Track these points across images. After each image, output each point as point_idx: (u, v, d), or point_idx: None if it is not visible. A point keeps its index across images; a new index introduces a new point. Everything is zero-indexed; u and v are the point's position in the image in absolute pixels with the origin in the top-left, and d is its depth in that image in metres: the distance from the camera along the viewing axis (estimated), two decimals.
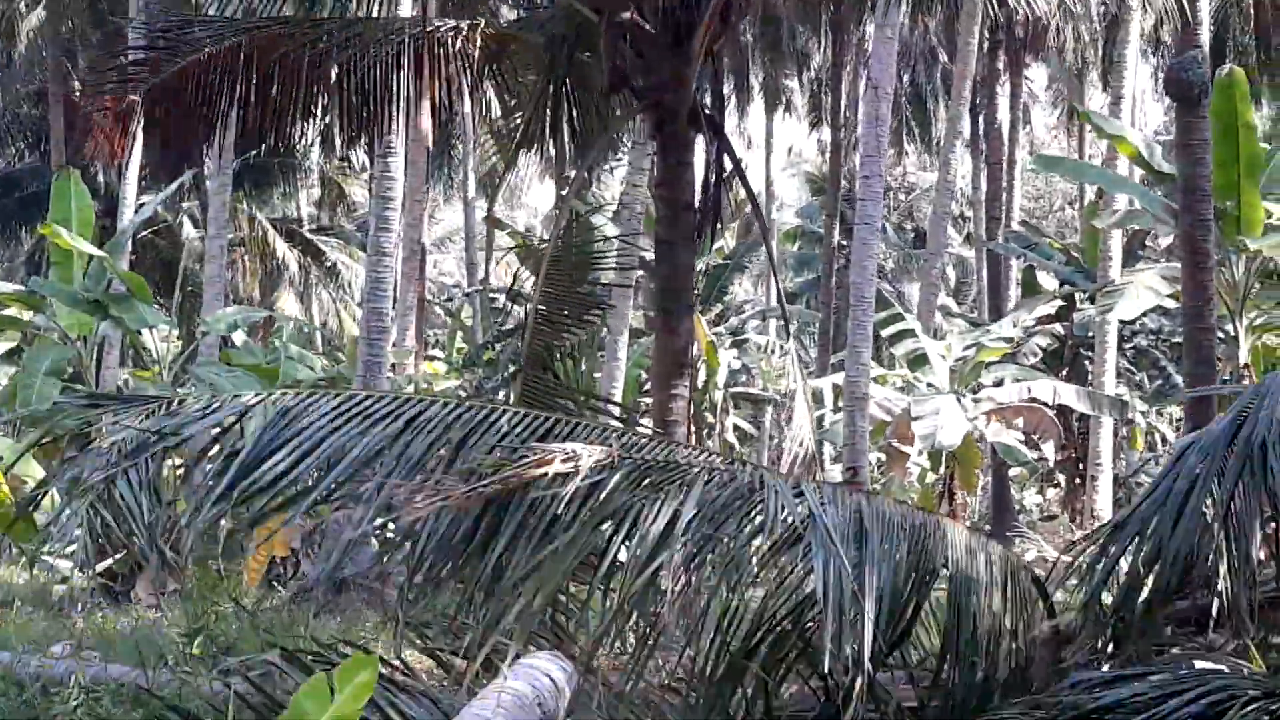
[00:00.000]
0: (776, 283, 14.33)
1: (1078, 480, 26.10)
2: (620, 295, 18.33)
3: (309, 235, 44.53)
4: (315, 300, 45.26)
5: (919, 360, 23.82)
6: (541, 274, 11.83)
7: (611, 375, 20.78)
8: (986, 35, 32.62)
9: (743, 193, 13.93)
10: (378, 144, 20.26)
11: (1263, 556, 7.13)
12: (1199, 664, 6.40)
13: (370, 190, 33.26)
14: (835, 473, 23.56)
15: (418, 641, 12.03)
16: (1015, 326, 24.86)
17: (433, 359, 35.94)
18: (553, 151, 15.59)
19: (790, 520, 6.11)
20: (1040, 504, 30.17)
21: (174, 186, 25.34)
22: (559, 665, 6.68)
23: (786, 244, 51.68)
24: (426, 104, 12.85)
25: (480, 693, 6.35)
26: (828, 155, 39.56)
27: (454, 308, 42.43)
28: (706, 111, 12.24)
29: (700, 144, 12.25)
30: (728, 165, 12.34)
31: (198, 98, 12.05)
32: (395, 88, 12.14)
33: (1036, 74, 47.23)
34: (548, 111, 12.69)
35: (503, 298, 34.34)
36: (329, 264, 44.33)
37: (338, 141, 45.33)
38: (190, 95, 12.07)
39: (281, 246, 41.69)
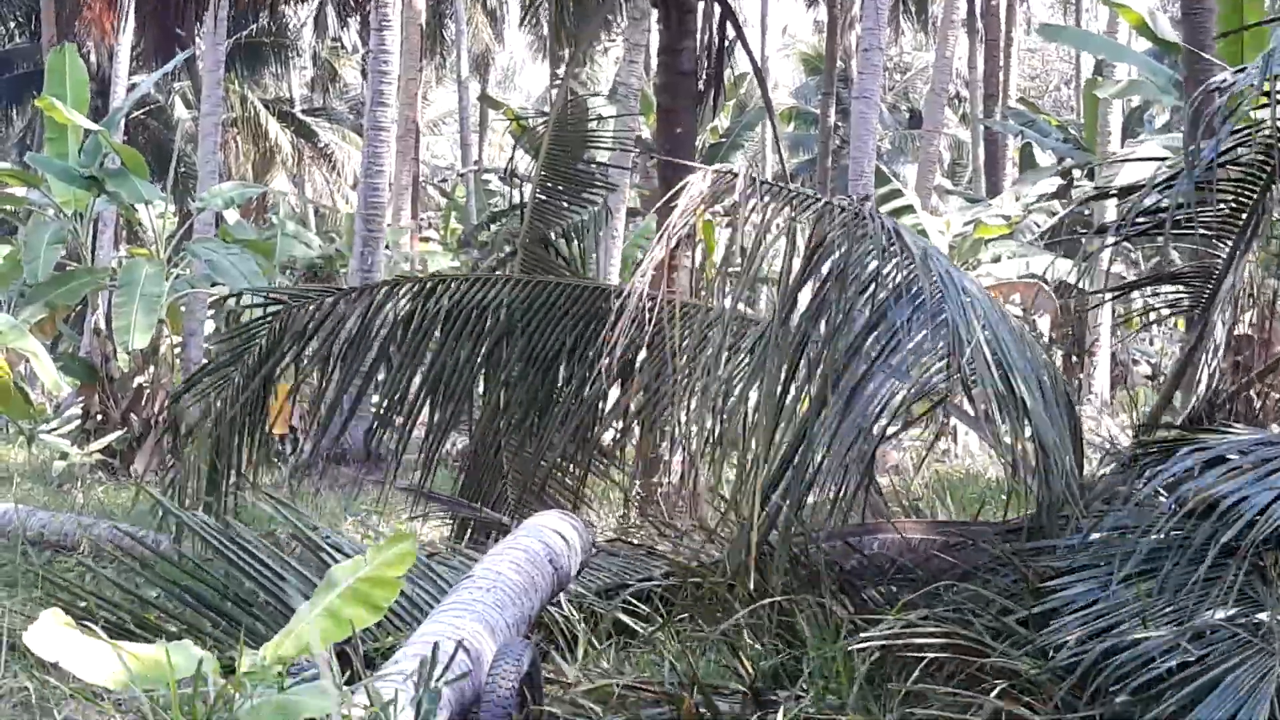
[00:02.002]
0: (780, 154, 14.22)
1: (1075, 357, 26.08)
2: (618, 175, 18.22)
3: (301, 116, 44.25)
4: (309, 182, 45.07)
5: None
6: (543, 152, 11.73)
7: (609, 254, 20.73)
8: None
9: (740, 66, 13.79)
10: (373, 17, 20.10)
11: None
12: None
13: (364, 70, 33.15)
14: None
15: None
16: (1015, 202, 24.75)
17: (428, 240, 35.81)
18: (547, 28, 15.46)
19: None
20: None
21: (168, 66, 25.08)
22: (570, 523, 6.69)
23: (782, 125, 51.31)
24: None
25: (490, 550, 6.35)
26: (824, 33, 39.16)
27: (448, 188, 42.25)
28: None
29: (701, 12, 12.14)
30: (730, 34, 12.24)
31: None
32: None
33: None
34: None
35: (495, 179, 34.18)
36: (322, 145, 44.09)
37: (331, 20, 45.26)
38: None
39: (274, 128, 41.42)
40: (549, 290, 9.41)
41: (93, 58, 38.86)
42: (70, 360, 20.01)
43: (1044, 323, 24.84)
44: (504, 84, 62.59)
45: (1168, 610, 5.52)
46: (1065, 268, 22.60)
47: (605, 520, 9.96)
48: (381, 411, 9.70)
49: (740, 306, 7.70)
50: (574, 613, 7.06)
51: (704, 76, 12.00)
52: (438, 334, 9.22)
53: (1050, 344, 27.60)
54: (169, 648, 4.47)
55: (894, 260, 5.98)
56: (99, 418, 18.76)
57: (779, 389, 6.01)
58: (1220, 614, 5.44)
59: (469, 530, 10.29)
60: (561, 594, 7.04)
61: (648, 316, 6.07)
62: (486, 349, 9.27)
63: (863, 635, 5.75)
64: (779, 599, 6.27)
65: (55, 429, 18.24)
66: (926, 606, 6.03)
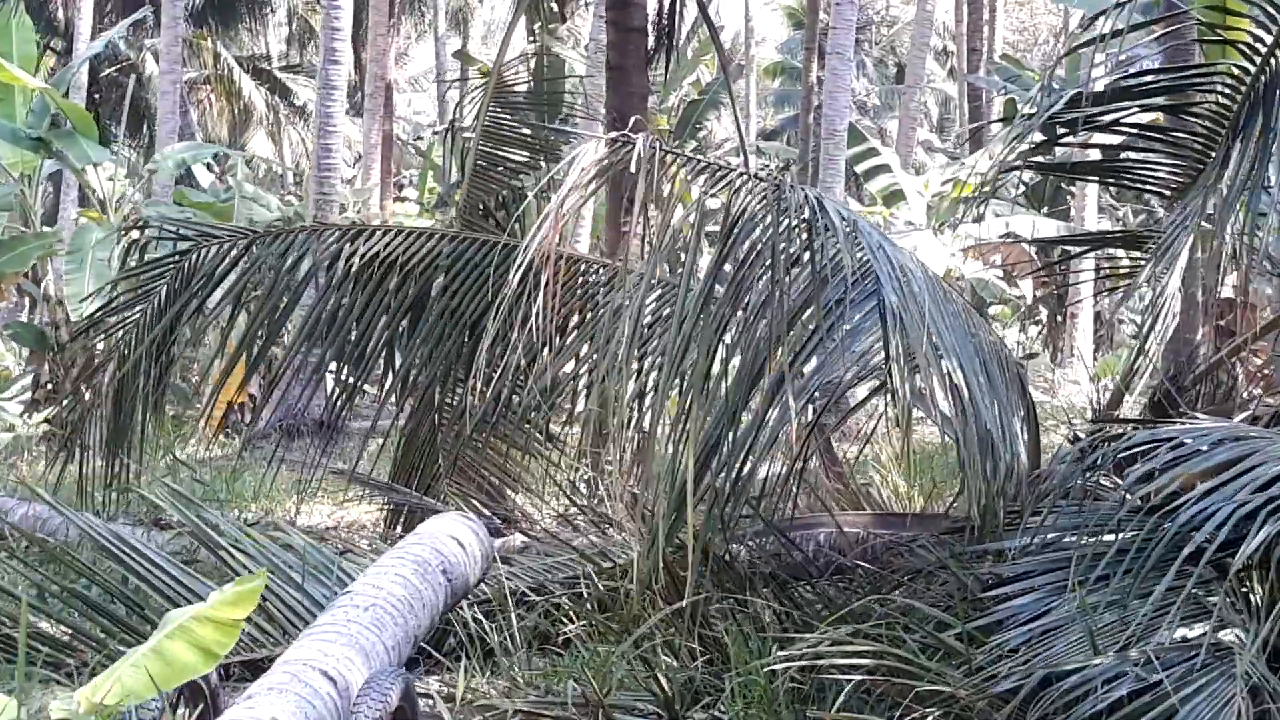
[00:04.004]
0: (735, 114, 13.66)
1: (1059, 318, 25.58)
2: (589, 128, 17.60)
3: (277, 73, 43.48)
4: (286, 140, 44.29)
5: (894, 196, 23.12)
6: (483, 112, 11.14)
7: (580, 217, 20.12)
8: None
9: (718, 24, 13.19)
10: None
11: None
12: None
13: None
14: None
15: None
16: (993, 160, 24.13)
17: (404, 200, 35.19)
18: None
19: None
20: (1021, 342, 29.71)
21: (126, 22, 24.34)
22: (470, 527, 6.12)
23: (767, 80, 50.67)
24: None
25: (378, 560, 5.79)
26: None
27: (424, 146, 41.56)
28: None
29: None
30: None
31: None
32: None
33: None
34: None
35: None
36: (299, 103, 43.31)
37: None
38: None
39: (248, 85, 40.62)
40: (479, 248, 8.82)
41: (60, 14, 38.24)
42: (20, 328, 19.41)
43: (1026, 285, 24.32)
44: (487, 40, 61.77)
45: (1119, 627, 4.98)
46: (1048, 228, 22.07)
47: (546, 508, 9.36)
48: (294, 369, 9.12)
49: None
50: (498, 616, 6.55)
51: (656, 34, 11.41)
52: (355, 286, 8.56)
53: (1034, 304, 27.10)
54: None
55: (822, 237, 5.39)
56: (49, 387, 18.18)
57: (697, 371, 5.41)
58: (1178, 633, 4.91)
59: (402, 516, 9.78)
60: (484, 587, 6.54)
61: (543, 282, 5.45)
62: (407, 303, 8.64)
63: (782, 655, 5.19)
64: (699, 604, 5.72)
65: (12, 397, 17.71)
66: (859, 619, 5.48)
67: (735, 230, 5.56)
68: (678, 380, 5.54)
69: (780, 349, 5.43)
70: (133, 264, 9.14)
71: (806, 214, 5.49)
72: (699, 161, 6.00)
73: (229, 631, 4.14)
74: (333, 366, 9.38)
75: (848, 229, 5.41)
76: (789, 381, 5.39)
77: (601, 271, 8.64)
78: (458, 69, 41.40)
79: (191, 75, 40.21)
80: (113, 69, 38.37)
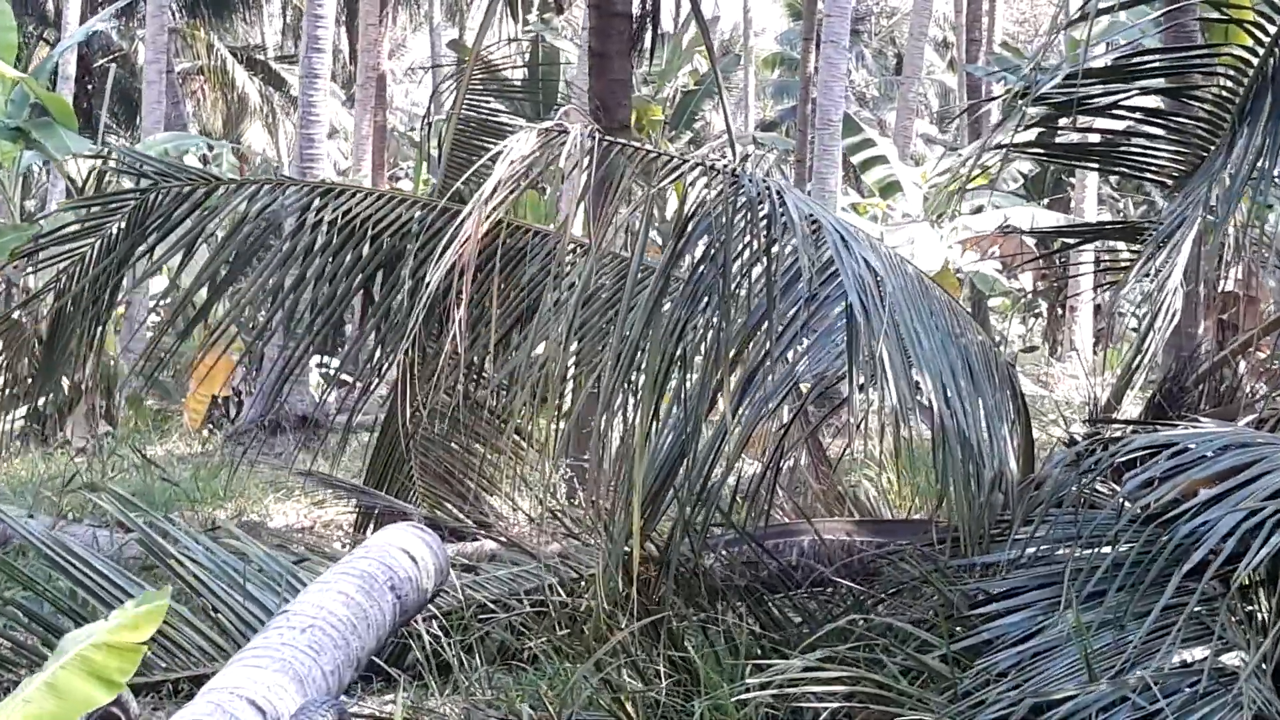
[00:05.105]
0: (724, 105, 13.29)
1: (1059, 311, 25.24)
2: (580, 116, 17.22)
3: (272, 64, 43.03)
4: (281, 132, 43.85)
5: (891, 188, 22.74)
6: (460, 100, 10.77)
7: (572, 206, 19.75)
8: None
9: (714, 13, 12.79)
10: None
11: None
12: None
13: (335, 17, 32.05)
14: None
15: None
16: (989, 150, 23.74)
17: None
18: None
19: None
20: (1022, 335, 29.39)
21: (111, 9, 23.99)
22: (423, 539, 5.73)
23: (766, 71, 50.29)
24: None
25: (321, 575, 5.42)
26: None
27: (418, 137, 41.17)
28: None
29: None
30: None
31: None
32: None
33: None
34: None
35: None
36: (295, 95, 42.83)
37: None
38: None
39: (242, 76, 40.19)
40: (451, 219, 8.29)
41: (50, 5, 37.83)
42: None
43: (1026, 278, 23.97)
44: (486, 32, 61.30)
45: (1115, 649, 4.61)
46: (1047, 219, 21.68)
47: (519, 512, 8.98)
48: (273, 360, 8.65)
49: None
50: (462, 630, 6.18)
51: (639, 19, 11.04)
52: (321, 248, 8.02)
53: (1034, 297, 26.74)
54: None
55: (790, 236, 4.98)
56: (29, 380, 17.80)
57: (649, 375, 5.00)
58: (1179, 656, 4.54)
59: (372, 519, 9.42)
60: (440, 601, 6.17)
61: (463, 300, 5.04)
62: (370, 269, 8.13)
63: (754, 681, 4.81)
64: (664, 620, 5.35)
65: None
66: (838, 638, 5.10)
67: (689, 228, 5.16)
68: (625, 384, 5.15)
69: (735, 356, 5.06)
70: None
71: (766, 209, 5.10)
72: (648, 152, 5.57)
73: (129, 658, 3.77)
74: (315, 360, 9.01)
75: (810, 227, 5.02)
76: (759, 385, 5.05)
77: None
78: (454, 60, 41.04)
79: (185, 66, 39.84)
80: (106, 59, 37.97)
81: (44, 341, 8.42)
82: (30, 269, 8.81)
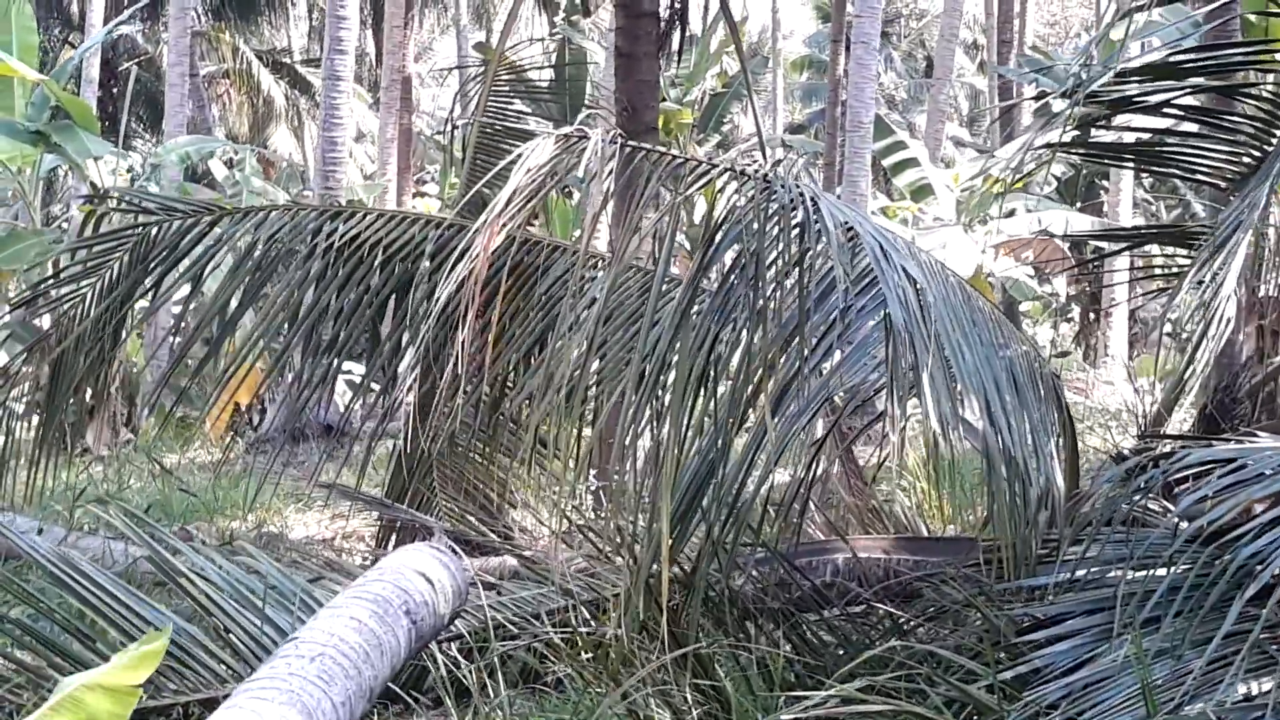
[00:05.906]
0: (753, 107, 13.03)
1: (1092, 316, 24.92)
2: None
3: (298, 68, 42.89)
4: (308, 136, 43.71)
5: (923, 191, 22.44)
6: (482, 103, 10.53)
7: (590, 218, 19.53)
8: None
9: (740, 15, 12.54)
10: None
11: None
12: None
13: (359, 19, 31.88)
14: None
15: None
16: (1024, 153, 23.43)
17: (424, 195, 34.68)
18: None
19: None
20: (1054, 339, 29.05)
21: (129, 11, 23.84)
22: (440, 560, 5.47)
23: (794, 74, 50.02)
24: None
25: (335, 598, 5.16)
26: None
27: (445, 141, 40.99)
28: None
29: None
30: None
31: None
32: None
33: None
34: None
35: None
36: (320, 98, 42.69)
37: None
38: None
39: (268, 79, 40.06)
40: (465, 236, 8.01)
41: (75, 8, 37.75)
42: (22, 326, 18.89)
43: (1059, 282, 23.65)
44: (515, 33, 61.19)
45: (1173, 680, 4.33)
46: (1081, 223, 21.36)
47: (544, 527, 8.69)
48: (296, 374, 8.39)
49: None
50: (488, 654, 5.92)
51: (668, 19, 10.78)
52: (333, 271, 7.76)
53: (1068, 302, 26.42)
54: None
55: (823, 243, 4.71)
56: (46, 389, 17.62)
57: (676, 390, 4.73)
58: (1240, 688, 4.26)
59: (394, 533, 9.17)
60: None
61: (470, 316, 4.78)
62: (388, 290, 7.88)
63: (786, 718, 4.54)
64: (695, 646, 5.08)
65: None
66: (876, 665, 4.83)
67: (719, 237, 4.89)
68: (652, 400, 4.88)
69: (768, 373, 4.79)
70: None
71: (799, 216, 4.83)
72: (674, 157, 5.28)
73: (125, 701, 3.54)
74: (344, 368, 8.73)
75: (846, 235, 4.75)
76: (791, 399, 4.78)
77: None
78: (480, 63, 40.85)
79: (211, 69, 39.72)
80: (131, 62, 37.89)
81: (49, 378, 8.20)
82: (41, 309, 8.57)
